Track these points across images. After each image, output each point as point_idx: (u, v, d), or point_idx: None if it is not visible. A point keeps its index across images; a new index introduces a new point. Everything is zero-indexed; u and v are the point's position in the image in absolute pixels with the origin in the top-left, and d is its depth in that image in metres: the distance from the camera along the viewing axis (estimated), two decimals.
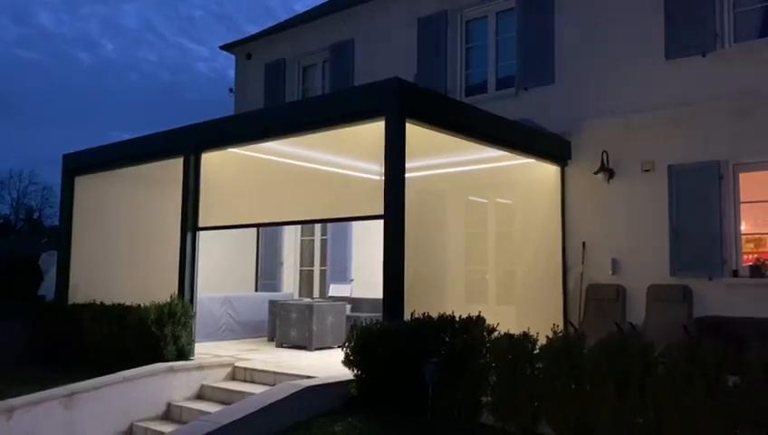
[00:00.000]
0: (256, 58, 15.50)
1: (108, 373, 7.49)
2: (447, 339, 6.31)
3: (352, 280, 12.07)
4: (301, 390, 6.43)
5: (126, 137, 14.22)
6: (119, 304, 9.17)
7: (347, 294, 11.48)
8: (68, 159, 11.34)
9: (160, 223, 9.70)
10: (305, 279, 13.50)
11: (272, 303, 11.06)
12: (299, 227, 13.35)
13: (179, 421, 7.31)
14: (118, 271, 10.24)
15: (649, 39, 9.63)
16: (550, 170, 10.13)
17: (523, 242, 10.50)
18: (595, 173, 9.70)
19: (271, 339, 10.76)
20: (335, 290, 11.75)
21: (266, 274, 13.28)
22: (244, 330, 11.19)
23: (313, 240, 13.45)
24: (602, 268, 9.66)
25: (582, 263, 9.83)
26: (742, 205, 8.88)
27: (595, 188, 9.81)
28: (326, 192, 8.51)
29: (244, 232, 12.57)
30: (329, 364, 7.82)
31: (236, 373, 8.21)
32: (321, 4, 16.13)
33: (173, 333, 8.33)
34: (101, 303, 9.53)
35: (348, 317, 10.24)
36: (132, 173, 10.35)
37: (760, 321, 7.62)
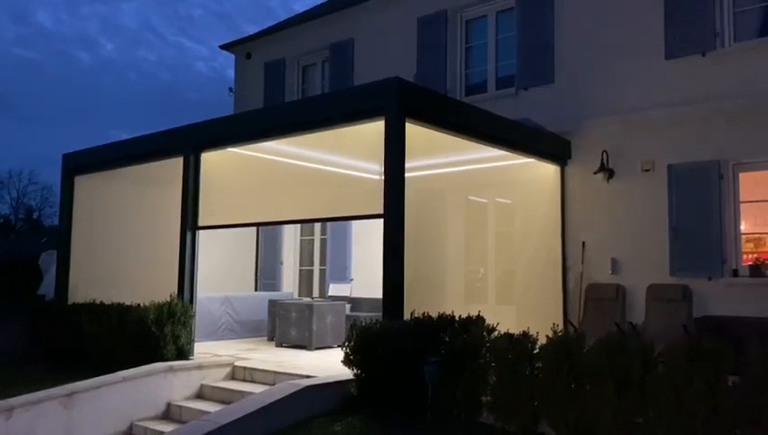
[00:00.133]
0: (256, 58, 15.50)
1: (107, 373, 7.49)
2: (447, 339, 6.31)
3: (352, 280, 12.06)
4: (300, 389, 6.43)
5: (125, 136, 14.23)
6: (118, 304, 9.16)
7: (347, 294, 11.47)
8: (68, 158, 11.33)
9: (160, 222, 9.70)
10: (305, 279, 13.50)
11: (271, 302, 11.06)
12: (298, 226, 13.35)
13: (179, 421, 7.31)
14: (117, 270, 10.23)
15: (649, 38, 9.63)
16: (549, 170, 10.13)
17: (522, 242, 10.50)
18: (595, 173, 9.70)
19: (270, 338, 10.76)
20: (335, 290, 11.75)
21: (266, 273, 13.28)
22: (243, 329, 11.19)
23: (313, 240, 13.44)
24: (602, 268, 9.67)
25: (582, 262, 9.83)
26: (742, 205, 8.88)
27: (595, 188, 9.81)
28: (326, 192, 8.51)
29: (243, 232, 12.57)
30: (328, 364, 7.82)
31: (236, 373, 8.21)
32: (321, 4, 16.13)
33: (173, 333, 8.33)
34: (101, 302, 9.52)
35: (347, 317, 10.24)
36: (132, 173, 10.35)
37: (760, 321, 7.63)
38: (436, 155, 9.36)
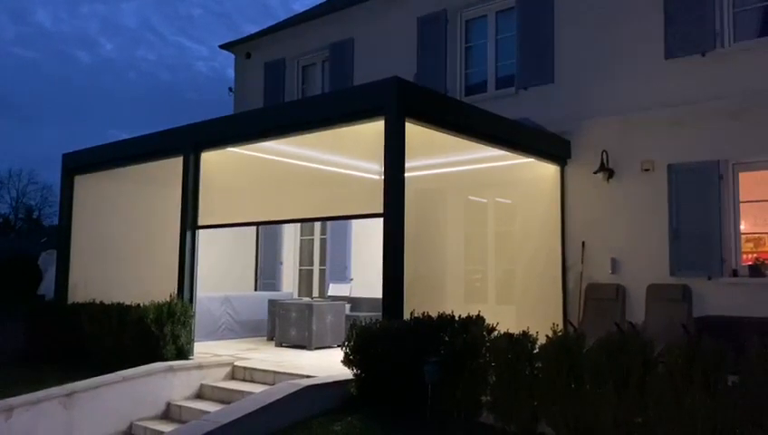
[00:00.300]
0: (256, 57, 15.50)
1: (107, 373, 7.49)
2: (447, 338, 6.31)
3: (352, 279, 12.06)
4: (300, 389, 6.43)
5: (125, 136, 14.23)
6: (118, 304, 9.16)
7: (346, 294, 11.47)
8: (67, 158, 11.33)
9: (160, 222, 9.70)
10: (305, 278, 13.50)
11: (271, 302, 11.06)
12: (298, 226, 13.35)
13: (179, 421, 7.31)
14: (117, 270, 10.23)
15: (649, 38, 9.63)
16: (549, 170, 10.13)
17: (522, 242, 10.50)
18: (595, 173, 9.70)
19: (270, 338, 10.76)
20: (335, 289, 11.74)
21: (266, 273, 13.28)
22: (243, 329, 11.19)
23: (313, 240, 13.44)
24: (602, 268, 9.67)
25: (582, 262, 9.83)
26: (741, 204, 8.88)
27: (595, 188, 9.81)
28: (326, 191, 8.51)
29: (243, 231, 12.57)
30: (328, 364, 7.82)
31: (236, 373, 8.21)
32: (321, 4, 16.12)
33: (172, 333, 8.32)
34: (101, 302, 9.52)
35: (347, 317, 10.24)
36: (132, 172, 10.35)
37: (760, 320, 7.62)
38: (436, 155, 9.37)
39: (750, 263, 8.72)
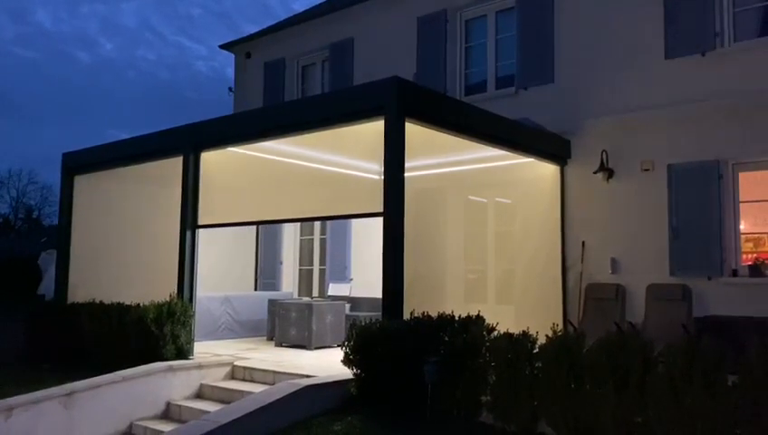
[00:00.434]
0: (256, 57, 15.50)
1: (107, 373, 7.49)
2: (447, 338, 6.31)
3: (352, 279, 12.06)
4: (300, 389, 6.43)
5: (124, 136, 14.23)
6: (118, 304, 9.16)
7: (346, 294, 11.47)
8: (67, 158, 11.33)
9: (160, 222, 9.69)
10: (305, 278, 13.50)
11: (271, 302, 11.06)
12: (298, 226, 13.35)
13: (179, 420, 7.31)
14: (117, 270, 10.23)
15: (649, 38, 9.63)
16: (549, 170, 10.13)
17: (522, 241, 10.50)
18: (595, 172, 9.70)
19: (270, 338, 10.75)
20: (334, 289, 11.74)
21: (266, 273, 13.28)
22: (243, 329, 11.19)
23: (313, 239, 13.44)
24: (602, 267, 9.67)
25: (582, 262, 9.83)
26: (741, 204, 8.88)
27: (595, 188, 9.81)
28: (326, 191, 8.51)
29: (243, 231, 12.58)
30: (328, 363, 7.82)
31: (236, 372, 8.21)
32: (321, 4, 16.12)
33: (172, 333, 8.32)
34: (101, 302, 9.52)
35: (347, 316, 10.24)
36: (131, 172, 10.34)
37: (759, 320, 7.62)
38: (436, 155, 9.37)
39: (750, 263, 8.72)
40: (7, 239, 36.49)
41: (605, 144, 9.73)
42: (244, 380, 8.02)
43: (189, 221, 9.02)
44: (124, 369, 7.61)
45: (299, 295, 12.92)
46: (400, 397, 6.20)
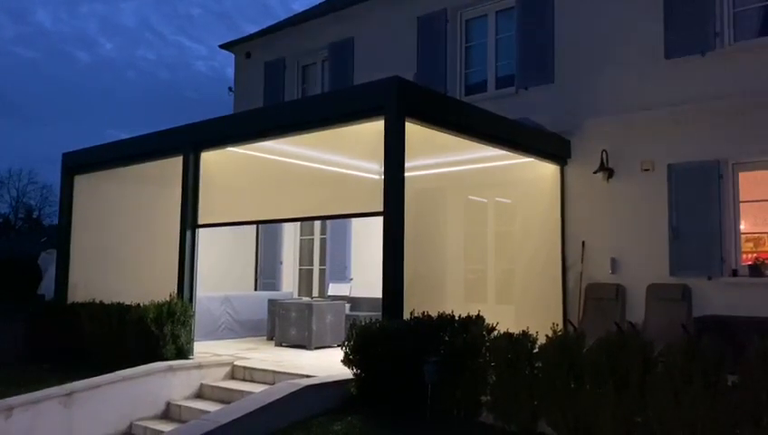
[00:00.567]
0: (255, 57, 15.50)
1: (107, 372, 7.49)
2: (447, 338, 6.31)
3: (352, 279, 12.06)
4: (300, 389, 6.43)
5: (123, 136, 14.22)
6: (118, 304, 9.16)
7: (346, 294, 11.47)
8: (67, 157, 11.33)
9: (160, 222, 9.70)
10: (305, 278, 13.50)
11: (271, 302, 11.05)
12: (298, 226, 13.35)
13: (179, 420, 7.31)
14: (117, 270, 10.23)
15: (649, 38, 9.63)
16: (549, 170, 10.13)
17: (522, 241, 10.50)
18: (594, 172, 9.70)
19: (270, 338, 10.75)
20: (334, 289, 11.74)
21: (266, 273, 13.28)
22: (243, 329, 11.18)
23: (313, 239, 13.44)
24: (602, 267, 9.67)
25: (582, 262, 9.83)
26: (741, 204, 8.88)
27: (595, 188, 9.81)
28: (326, 191, 8.51)
29: (243, 231, 12.58)
30: (328, 363, 7.82)
31: (236, 372, 8.21)
32: (321, 4, 16.12)
33: (172, 332, 8.32)
34: (101, 302, 9.52)
35: (347, 316, 10.23)
36: (131, 172, 10.35)
37: (759, 320, 7.62)
38: (435, 154, 9.36)
39: (750, 263, 8.72)
40: (7, 239, 36.49)
41: (605, 144, 9.73)
42: (244, 380, 8.02)
43: (189, 221, 9.03)
44: (124, 369, 7.61)
45: (299, 295, 12.92)
46: (400, 397, 6.20)
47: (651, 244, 9.26)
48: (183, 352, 8.39)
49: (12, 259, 20.14)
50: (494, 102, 10.36)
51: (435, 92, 8.69)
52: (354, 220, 11.90)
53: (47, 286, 14.83)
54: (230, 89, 16.13)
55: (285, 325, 10.16)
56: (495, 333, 6.23)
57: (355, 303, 11.18)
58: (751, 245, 8.92)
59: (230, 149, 9.11)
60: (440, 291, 10.13)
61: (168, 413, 7.64)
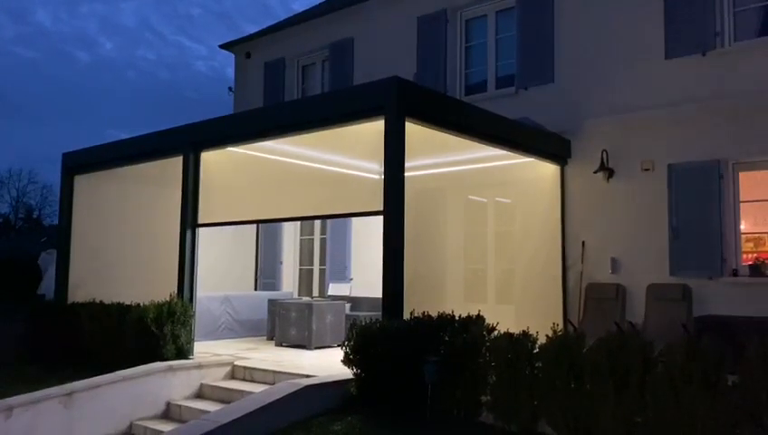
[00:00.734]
0: (256, 57, 15.50)
1: (107, 372, 7.48)
2: (447, 338, 6.31)
3: (352, 279, 12.06)
4: (300, 389, 6.43)
5: (123, 136, 14.23)
6: (118, 303, 9.16)
7: (346, 293, 11.47)
8: (67, 157, 11.33)
9: (160, 222, 9.69)
10: (305, 278, 13.50)
11: (271, 302, 11.05)
12: (298, 226, 13.35)
13: (179, 420, 7.31)
14: (117, 270, 10.23)
15: (649, 38, 9.63)
16: (549, 169, 10.12)
17: (522, 241, 10.50)
18: (595, 172, 9.70)
19: (270, 338, 10.75)
20: (334, 289, 11.74)
21: (266, 273, 13.28)
22: (243, 329, 11.18)
23: (313, 239, 13.44)
24: (602, 267, 9.66)
25: (582, 262, 9.83)
26: (742, 204, 8.88)
27: (595, 188, 9.81)
28: (326, 191, 8.50)
29: (243, 231, 12.58)
30: (328, 363, 7.81)
31: (236, 372, 8.21)
32: (321, 4, 16.11)
33: (172, 332, 8.32)
34: (101, 302, 9.52)
35: (347, 316, 10.23)
36: (132, 172, 10.35)
37: (760, 320, 7.62)
38: (435, 154, 9.36)
39: (750, 263, 8.71)
40: (7, 239, 36.49)
41: (605, 144, 9.72)
42: (244, 380, 8.02)
43: (189, 220, 9.03)
44: (124, 369, 7.61)
45: (299, 295, 12.92)
46: (400, 397, 6.19)
47: (651, 244, 9.26)
48: (183, 352, 8.39)
49: (12, 259, 20.14)
50: (494, 102, 10.36)
51: (435, 92, 8.70)
52: (354, 220, 11.91)
53: (47, 286, 14.83)
54: (230, 89, 16.13)
55: (285, 325, 10.16)
56: (495, 333, 6.23)
57: (355, 303, 11.18)
58: (751, 245, 8.92)
59: (230, 148, 9.10)
60: (440, 291, 10.13)
61: (168, 413, 7.64)
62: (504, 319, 6.63)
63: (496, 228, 11.04)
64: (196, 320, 8.85)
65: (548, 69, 10.63)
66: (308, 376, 7.10)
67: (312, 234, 13.43)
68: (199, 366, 8.04)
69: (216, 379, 8.06)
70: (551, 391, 5.35)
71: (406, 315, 6.74)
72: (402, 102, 7.13)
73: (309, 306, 9.92)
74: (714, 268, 8.77)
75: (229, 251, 12.21)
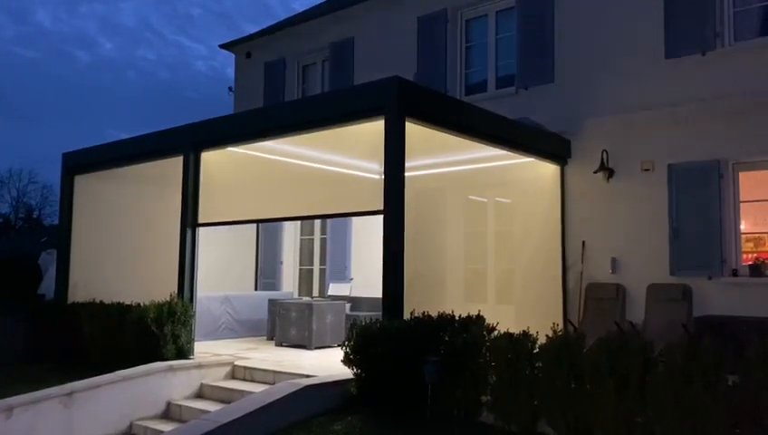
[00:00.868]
0: (256, 57, 15.50)
1: (107, 372, 7.49)
2: (447, 338, 6.31)
3: (352, 279, 12.06)
4: (300, 389, 6.44)
5: (123, 135, 14.22)
6: (118, 303, 9.17)
7: (346, 293, 11.47)
8: (68, 157, 11.33)
9: (160, 222, 9.70)
10: (305, 278, 13.50)
11: (271, 302, 11.06)
12: (298, 226, 13.36)
13: (179, 420, 7.31)
14: (117, 270, 10.23)
15: (649, 38, 9.63)
16: (549, 169, 10.12)
17: (522, 241, 10.50)
18: (595, 172, 9.70)
19: (270, 338, 10.75)
20: (335, 289, 11.75)
21: (266, 273, 13.28)
22: (243, 329, 11.19)
23: (313, 239, 13.45)
24: (602, 267, 9.66)
25: (582, 262, 9.83)
26: (741, 204, 8.88)
27: (595, 188, 9.81)
28: (326, 191, 8.51)
29: (243, 231, 12.58)
30: (328, 363, 7.82)
31: (236, 372, 8.21)
32: (321, 4, 16.13)
33: (172, 332, 8.32)
34: (101, 302, 9.53)
35: (347, 316, 10.23)
36: (132, 172, 10.35)
37: (760, 320, 7.63)
38: (435, 154, 9.36)
39: (750, 263, 8.71)
40: (7, 239, 36.49)
41: (605, 144, 9.73)
42: (244, 379, 8.02)
43: (190, 220, 9.03)
44: (124, 369, 7.61)
45: (299, 295, 12.92)
46: (400, 397, 6.20)
47: (651, 244, 9.26)
48: (183, 351, 8.39)
49: (12, 259, 20.13)
50: (494, 102, 10.36)
51: (435, 92, 8.69)
52: (354, 220, 11.91)
53: (47, 286, 14.84)
54: (230, 89, 16.13)
55: (285, 325, 10.16)
56: (496, 332, 6.23)
57: (355, 302, 11.19)
58: (751, 245, 8.92)
59: (230, 148, 9.10)
60: (440, 291, 10.12)
61: (169, 413, 7.64)
62: (504, 319, 6.63)
63: (496, 228, 11.03)
64: (196, 320, 8.85)
65: (548, 69, 10.63)
66: (308, 376, 7.10)
67: (313, 234, 13.44)
68: (199, 366, 8.05)
69: (217, 379, 8.06)
70: (551, 391, 5.35)
71: (406, 315, 6.74)
72: (402, 102, 7.13)
73: (309, 306, 9.93)
74: (714, 268, 8.77)
75: (229, 251, 12.22)
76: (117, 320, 8.82)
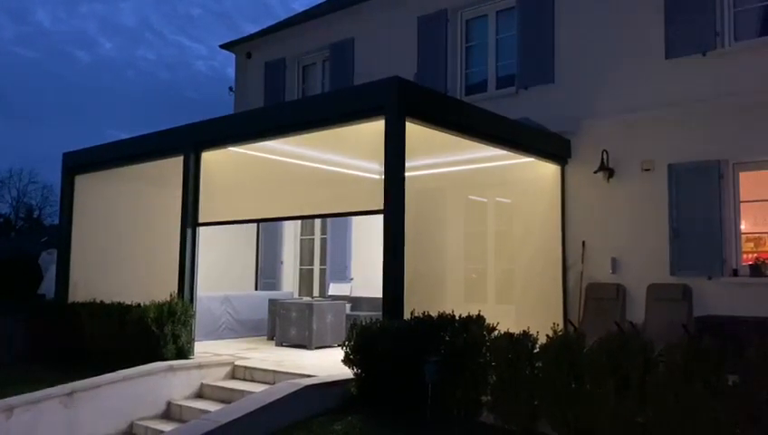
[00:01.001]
0: (256, 57, 15.50)
1: (107, 372, 7.49)
2: (447, 338, 6.31)
3: (352, 279, 12.06)
4: (300, 389, 6.44)
5: (123, 135, 14.23)
6: (118, 303, 9.17)
7: (347, 293, 11.48)
8: (68, 157, 11.33)
9: (160, 222, 9.70)
10: (305, 278, 13.50)
11: (271, 301, 11.06)
12: (298, 226, 13.36)
13: (179, 420, 7.32)
14: (118, 270, 10.24)
15: (649, 38, 9.63)
16: (550, 169, 10.12)
17: (522, 241, 10.50)
18: (595, 172, 9.70)
19: (270, 338, 10.76)
20: (335, 289, 11.75)
21: (266, 272, 13.28)
22: (243, 329, 11.19)
23: (313, 239, 13.45)
24: (602, 267, 9.67)
25: (582, 262, 9.83)
26: (742, 204, 8.88)
27: (595, 188, 9.81)
28: (326, 191, 8.52)
29: (243, 231, 12.58)
30: (329, 363, 7.82)
31: (236, 372, 8.21)
32: (321, 4, 16.12)
33: (173, 332, 8.33)
34: (101, 301, 9.53)
35: (347, 316, 10.23)
36: (132, 172, 10.35)
37: (760, 320, 7.63)
38: (436, 154, 9.37)
39: (750, 263, 8.72)
40: (8, 239, 36.49)
41: (605, 144, 9.73)
42: (244, 379, 8.02)
43: (190, 220, 9.03)
44: (124, 369, 7.61)
45: (299, 295, 12.93)
46: (400, 397, 6.20)
47: (651, 244, 9.26)
48: (183, 351, 8.40)
49: (12, 259, 20.14)
50: (494, 102, 10.36)
51: (435, 92, 8.69)
52: (354, 220, 11.92)
53: (48, 286, 14.85)
54: (230, 89, 16.13)
55: (286, 325, 10.17)
56: (496, 332, 6.23)
57: (355, 302, 11.19)
58: (751, 245, 8.92)
59: (231, 148, 9.11)
60: (440, 291, 10.13)
61: (169, 413, 7.64)
62: (505, 319, 6.63)
63: (496, 228, 11.04)
64: (196, 320, 8.85)
65: (548, 69, 10.63)
66: (308, 376, 7.11)
67: (313, 234, 13.44)
68: (200, 366, 8.05)
69: (217, 379, 8.06)
70: (551, 391, 5.35)
71: (406, 315, 6.74)
72: (402, 102, 7.14)
73: (309, 306, 9.93)
74: (714, 268, 8.77)
75: (229, 251, 12.22)
76: (117, 320, 8.82)
